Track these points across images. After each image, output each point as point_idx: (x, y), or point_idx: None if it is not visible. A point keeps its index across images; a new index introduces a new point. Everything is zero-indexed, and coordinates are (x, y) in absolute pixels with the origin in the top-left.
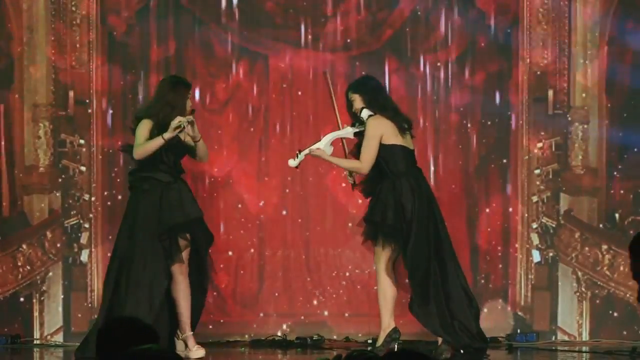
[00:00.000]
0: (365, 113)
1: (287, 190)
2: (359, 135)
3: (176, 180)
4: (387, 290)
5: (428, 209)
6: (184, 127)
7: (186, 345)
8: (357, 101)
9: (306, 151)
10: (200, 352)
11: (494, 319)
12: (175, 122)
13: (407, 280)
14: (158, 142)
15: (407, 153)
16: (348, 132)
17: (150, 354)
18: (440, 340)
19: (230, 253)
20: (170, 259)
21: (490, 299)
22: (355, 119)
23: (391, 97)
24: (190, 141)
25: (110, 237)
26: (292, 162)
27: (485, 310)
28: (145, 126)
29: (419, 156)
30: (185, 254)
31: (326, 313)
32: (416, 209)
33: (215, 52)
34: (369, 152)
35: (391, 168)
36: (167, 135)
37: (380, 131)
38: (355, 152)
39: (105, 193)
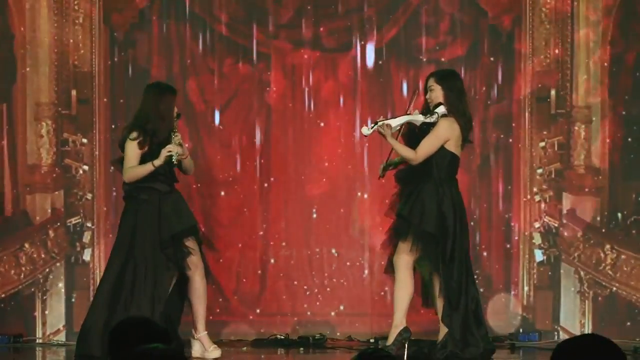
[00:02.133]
0: (441, 110)
1: (290, 190)
2: (424, 126)
3: (172, 189)
4: (405, 288)
5: (463, 220)
6: (174, 157)
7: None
8: (437, 93)
9: (380, 123)
10: (216, 352)
11: (496, 319)
12: (165, 152)
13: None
14: (148, 168)
15: (457, 163)
16: (418, 119)
17: (156, 353)
18: (438, 339)
19: (233, 252)
20: (177, 266)
21: (492, 299)
22: (426, 109)
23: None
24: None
25: (112, 236)
26: (366, 131)
27: (489, 310)
28: (133, 148)
29: None
30: (197, 257)
31: (328, 312)
32: (457, 219)
33: (218, 50)
34: (428, 149)
35: (440, 173)
36: (157, 162)
37: (449, 135)
38: (407, 140)
39: (108, 192)
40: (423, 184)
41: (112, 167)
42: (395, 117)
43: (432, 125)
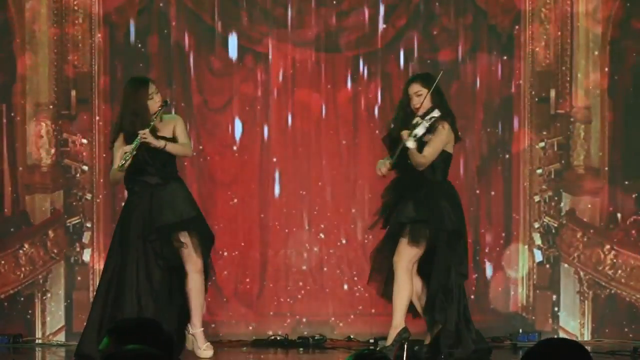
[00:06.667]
0: (437, 113)
1: (289, 190)
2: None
3: (167, 181)
4: (405, 290)
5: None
6: (128, 160)
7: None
8: (426, 97)
9: (417, 134)
10: (208, 352)
11: (496, 319)
12: (118, 158)
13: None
14: (115, 173)
15: (450, 162)
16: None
17: (134, 354)
18: (427, 340)
19: (232, 252)
20: (162, 260)
21: (492, 299)
22: (409, 113)
23: None
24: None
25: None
26: (411, 144)
27: (489, 309)
28: (116, 151)
29: None
30: (193, 252)
31: (328, 312)
32: (458, 218)
33: (217, 50)
34: (434, 155)
35: (439, 174)
36: (114, 166)
37: (449, 138)
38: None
39: (108, 192)
40: (425, 188)
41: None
42: (418, 124)
43: (427, 130)
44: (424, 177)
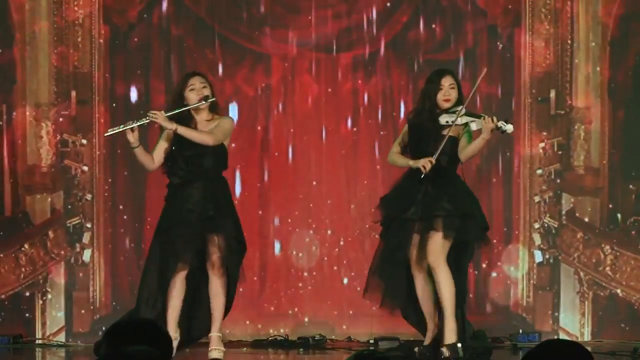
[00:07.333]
0: (464, 110)
1: (289, 189)
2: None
3: (191, 181)
4: (452, 284)
5: None
6: (118, 129)
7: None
8: (456, 91)
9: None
10: (214, 353)
11: (496, 319)
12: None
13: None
14: (135, 153)
15: None
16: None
17: (133, 353)
18: (427, 340)
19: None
20: (174, 258)
21: (492, 299)
22: (434, 104)
23: None
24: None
25: (111, 237)
26: (510, 128)
27: (488, 309)
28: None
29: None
30: (212, 254)
31: (328, 313)
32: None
33: (217, 51)
34: None
35: (456, 169)
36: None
37: None
38: (408, 148)
39: (108, 193)
40: (458, 183)
41: (118, 162)
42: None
43: (450, 125)
44: (450, 172)
